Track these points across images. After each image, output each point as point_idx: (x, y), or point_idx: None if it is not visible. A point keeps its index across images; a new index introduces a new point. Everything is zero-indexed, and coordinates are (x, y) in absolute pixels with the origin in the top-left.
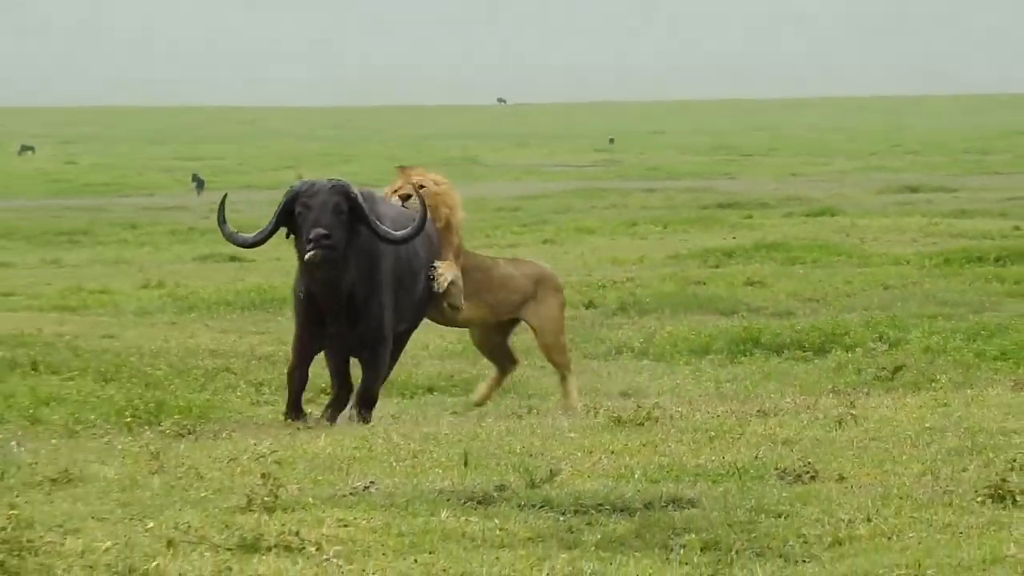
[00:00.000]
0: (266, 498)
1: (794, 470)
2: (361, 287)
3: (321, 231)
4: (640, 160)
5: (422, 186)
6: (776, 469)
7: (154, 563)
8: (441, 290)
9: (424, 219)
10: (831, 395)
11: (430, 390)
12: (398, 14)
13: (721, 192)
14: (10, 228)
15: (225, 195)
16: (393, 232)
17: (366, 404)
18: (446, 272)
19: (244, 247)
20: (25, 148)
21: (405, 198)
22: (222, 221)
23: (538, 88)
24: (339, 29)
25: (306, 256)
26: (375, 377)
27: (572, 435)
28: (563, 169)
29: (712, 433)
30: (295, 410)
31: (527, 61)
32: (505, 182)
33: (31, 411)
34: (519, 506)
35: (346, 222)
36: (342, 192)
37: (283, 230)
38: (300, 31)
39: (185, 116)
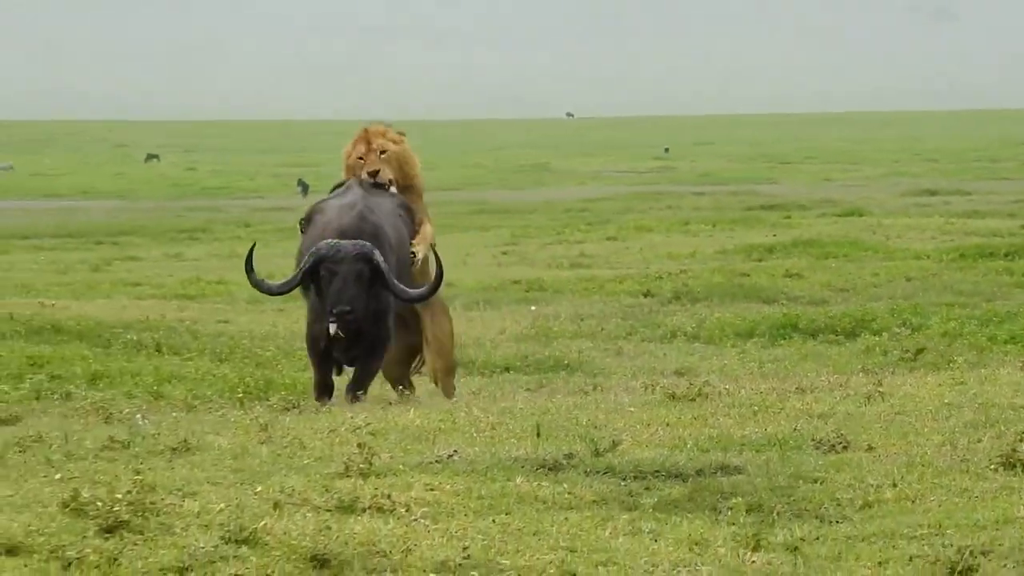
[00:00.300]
0: (361, 465)
1: (828, 441)
2: (372, 319)
3: (345, 309)
4: (692, 167)
5: (383, 151)
6: (812, 440)
7: (262, 523)
8: (418, 267)
9: (440, 276)
10: (861, 374)
11: (507, 369)
12: (476, 35)
13: (763, 195)
14: (138, 226)
15: (254, 244)
16: (410, 291)
17: (362, 388)
18: (420, 247)
19: (270, 295)
20: (151, 156)
21: (373, 174)
22: (250, 269)
23: (602, 103)
24: (415, 46)
25: (330, 331)
26: (372, 373)
27: (632, 409)
28: (624, 175)
29: (756, 408)
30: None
31: (593, 77)
32: (573, 187)
33: (155, 388)
34: (585, 472)
35: (367, 287)
36: (365, 259)
37: None
38: (378, 52)
39: (292, 128)
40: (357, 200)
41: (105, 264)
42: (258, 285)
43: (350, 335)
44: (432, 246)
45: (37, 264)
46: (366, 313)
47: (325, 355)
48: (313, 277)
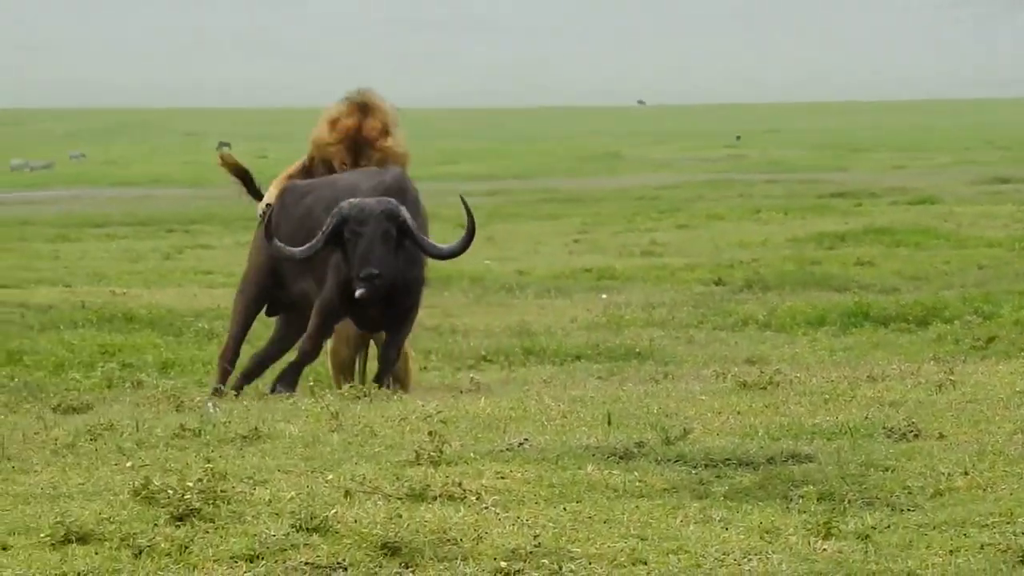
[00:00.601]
0: (432, 453)
1: (899, 429)
2: (401, 282)
3: (373, 271)
4: (763, 155)
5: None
6: (883, 428)
7: (333, 511)
8: None
9: (473, 229)
10: (932, 362)
11: (577, 358)
12: (544, 22)
13: (834, 183)
14: (209, 214)
15: (271, 210)
16: (439, 247)
17: (391, 364)
18: None
19: (293, 260)
20: (222, 144)
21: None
22: (269, 236)
23: (674, 91)
24: (479, 38)
25: (356, 294)
26: (401, 344)
27: (703, 398)
28: (695, 163)
29: (827, 396)
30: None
31: (664, 65)
32: (644, 174)
33: None
34: (656, 460)
35: (395, 247)
36: (392, 217)
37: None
38: (446, 43)
39: None
40: (365, 170)
41: (176, 252)
42: (280, 250)
43: (376, 300)
44: (461, 197)
45: (109, 252)
46: (395, 276)
47: (330, 322)
48: (337, 239)
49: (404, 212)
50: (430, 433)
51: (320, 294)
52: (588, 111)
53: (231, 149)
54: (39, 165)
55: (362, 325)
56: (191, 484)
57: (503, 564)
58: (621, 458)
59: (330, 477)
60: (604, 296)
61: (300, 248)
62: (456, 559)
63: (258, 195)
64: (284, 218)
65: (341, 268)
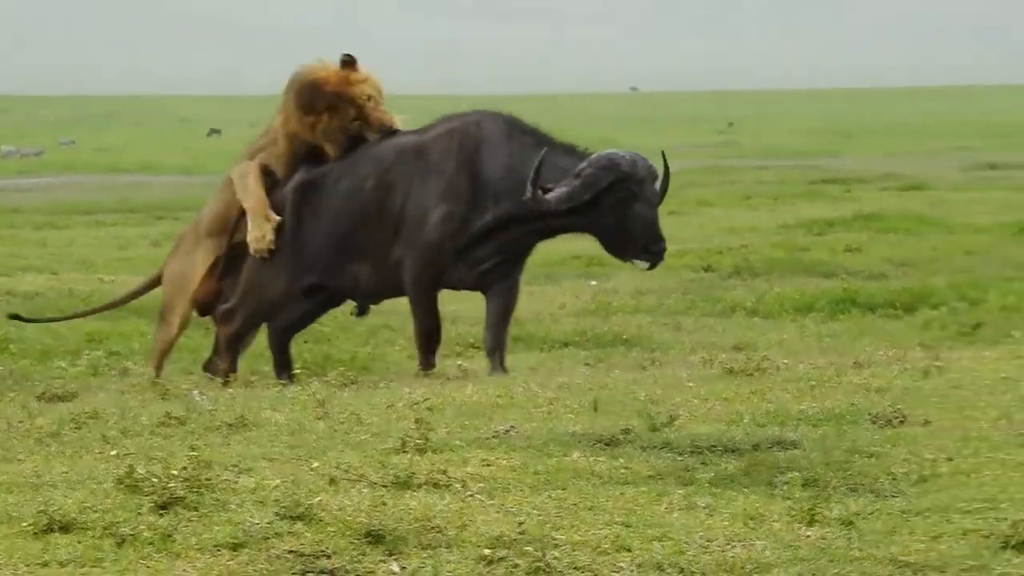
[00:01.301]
0: (418, 441)
1: (885, 415)
2: None
3: (664, 246)
4: (755, 141)
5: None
6: (869, 414)
7: (318, 498)
8: None
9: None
10: (919, 349)
11: (565, 344)
12: (538, 8)
13: (825, 169)
14: (200, 201)
15: (541, 160)
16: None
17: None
18: None
19: (549, 211)
20: (213, 131)
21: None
22: (536, 176)
23: (667, 77)
24: (484, 24)
25: (642, 266)
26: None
27: (690, 384)
28: (688, 149)
29: (813, 382)
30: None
31: (657, 52)
32: None
33: None
34: (641, 447)
35: None
36: (656, 177)
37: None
38: (455, 29)
39: None
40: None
41: (166, 239)
42: (538, 203)
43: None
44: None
45: (97, 240)
46: None
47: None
48: (596, 198)
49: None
50: (416, 420)
51: (415, 264)
52: (581, 97)
53: (221, 136)
54: (28, 152)
55: (467, 285)
56: (175, 472)
57: (487, 551)
58: (607, 445)
59: (315, 465)
60: (593, 283)
61: (556, 195)
62: (440, 547)
63: None
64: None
65: (453, 220)
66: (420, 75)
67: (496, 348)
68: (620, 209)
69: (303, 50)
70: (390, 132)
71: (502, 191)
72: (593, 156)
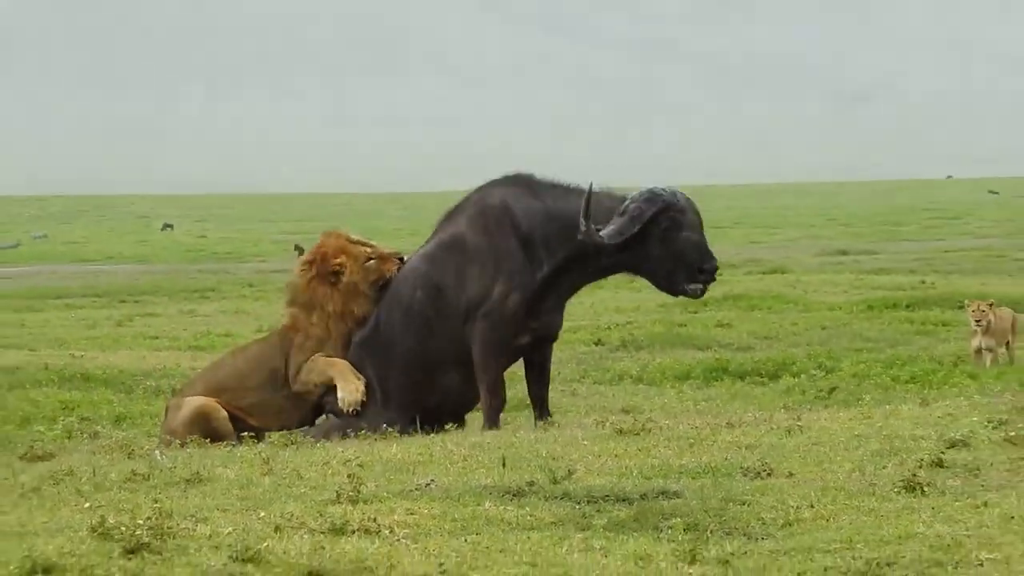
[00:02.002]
0: (350, 493)
1: (754, 468)
2: None
3: (716, 264)
4: None
5: (370, 258)
6: (741, 468)
7: (265, 544)
8: None
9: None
10: (782, 410)
11: (477, 409)
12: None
13: None
14: (156, 286)
15: (590, 192)
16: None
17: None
18: None
19: (601, 246)
20: (166, 226)
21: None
22: (587, 216)
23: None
24: (415, 130)
25: (692, 290)
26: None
27: (585, 442)
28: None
29: (691, 440)
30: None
31: (534, 155)
32: None
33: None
34: (544, 498)
35: None
36: (698, 210)
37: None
38: (385, 135)
39: (291, 201)
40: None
41: (127, 320)
42: (591, 236)
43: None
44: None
45: (68, 320)
46: None
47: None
48: (644, 231)
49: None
50: (349, 475)
51: (483, 337)
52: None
53: (173, 230)
54: (6, 245)
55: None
56: (141, 522)
57: None
58: (514, 496)
59: (262, 514)
60: None
61: (608, 231)
62: None
63: None
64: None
65: (520, 280)
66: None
67: (540, 401)
68: (669, 237)
69: (244, 153)
70: (402, 260)
71: (551, 237)
72: (635, 193)
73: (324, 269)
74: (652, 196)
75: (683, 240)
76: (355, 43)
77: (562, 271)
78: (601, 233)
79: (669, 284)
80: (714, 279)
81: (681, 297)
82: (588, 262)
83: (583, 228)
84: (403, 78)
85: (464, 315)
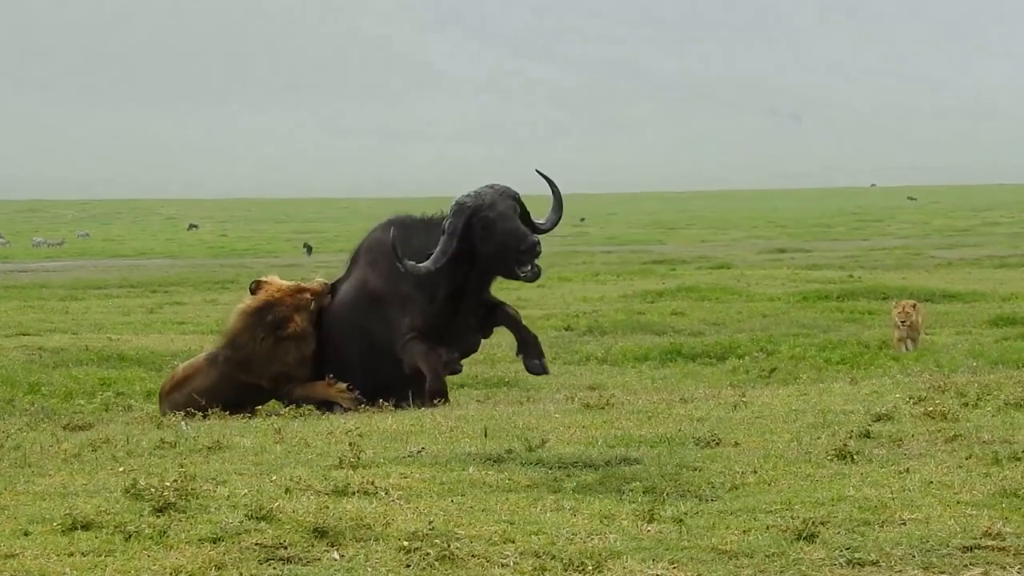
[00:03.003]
0: (352, 459)
1: (704, 438)
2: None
3: (532, 242)
4: (602, 232)
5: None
6: (693, 438)
7: (276, 503)
8: None
9: (561, 203)
10: (729, 388)
11: (462, 386)
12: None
13: (655, 253)
14: (183, 279)
15: (395, 235)
16: (543, 223)
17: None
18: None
19: (424, 275)
20: (192, 226)
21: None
22: (399, 258)
23: (520, 184)
24: (404, 144)
25: (525, 274)
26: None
27: (556, 416)
28: (550, 238)
29: (650, 414)
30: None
31: (509, 164)
32: None
33: None
34: (521, 464)
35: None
36: (513, 196)
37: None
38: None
39: (301, 205)
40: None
41: (158, 308)
42: (411, 269)
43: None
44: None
45: (107, 308)
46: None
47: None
48: (465, 240)
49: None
50: (350, 444)
51: (403, 334)
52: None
53: (199, 229)
54: (54, 242)
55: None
56: (168, 484)
57: (406, 543)
58: (495, 462)
59: (274, 478)
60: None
61: (425, 264)
62: (370, 539)
63: None
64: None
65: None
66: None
67: (525, 343)
68: (487, 235)
69: (261, 162)
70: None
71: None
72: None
73: (274, 323)
74: (458, 208)
75: (500, 233)
76: (360, 63)
77: (453, 296)
78: (424, 263)
79: (508, 273)
80: (535, 256)
81: (523, 280)
82: (466, 284)
83: (402, 268)
84: (396, 95)
85: (396, 349)
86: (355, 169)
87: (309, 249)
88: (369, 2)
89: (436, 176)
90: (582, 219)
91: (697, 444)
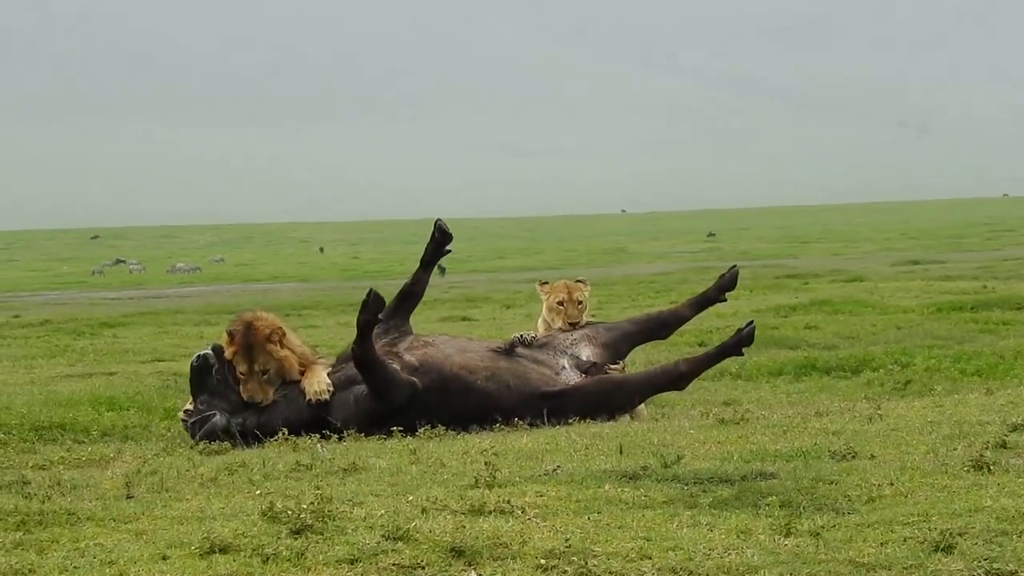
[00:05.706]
0: (487, 478)
1: (840, 452)
2: None
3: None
4: (733, 247)
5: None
6: (828, 451)
7: (413, 524)
8: None
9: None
10: (864, 401)
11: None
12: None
13: (787, 267)
14: (316, 302)
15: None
16: None
17: None
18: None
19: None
20: (320, 249)
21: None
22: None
23: (649, 201)
24: (472, 158)
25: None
26: None
27: (692, 431)
28: (681, 254)
29: (785, 428)
30: None
31: (643, 179)
32: (643, 264)
33: None
34: (657, 480)
35: None
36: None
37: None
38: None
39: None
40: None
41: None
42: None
43: None
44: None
45: None
46: None
47: None
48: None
49: None
50: (486, 463)
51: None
52: (596, 217)
53: (324, 252)
54: (189, 268)
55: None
56: (305, 506)
57: (543, 561)
58: (630, 479)
59: (410, 498)
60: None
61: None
62: (507, 559)
63: None
64: None
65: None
66: (452, 203)
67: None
68: (219, 390)
69: (390, 186)
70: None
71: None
72: None
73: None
74: (190, 370)
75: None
76: (483, 79)
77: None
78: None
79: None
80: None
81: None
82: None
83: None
84: (512, 112)
85: None
86: (479, 188)
87: (443, 271)
88: (494, 16)
89: (562, 191)
90: (711, 234)
91: (833, 457)
